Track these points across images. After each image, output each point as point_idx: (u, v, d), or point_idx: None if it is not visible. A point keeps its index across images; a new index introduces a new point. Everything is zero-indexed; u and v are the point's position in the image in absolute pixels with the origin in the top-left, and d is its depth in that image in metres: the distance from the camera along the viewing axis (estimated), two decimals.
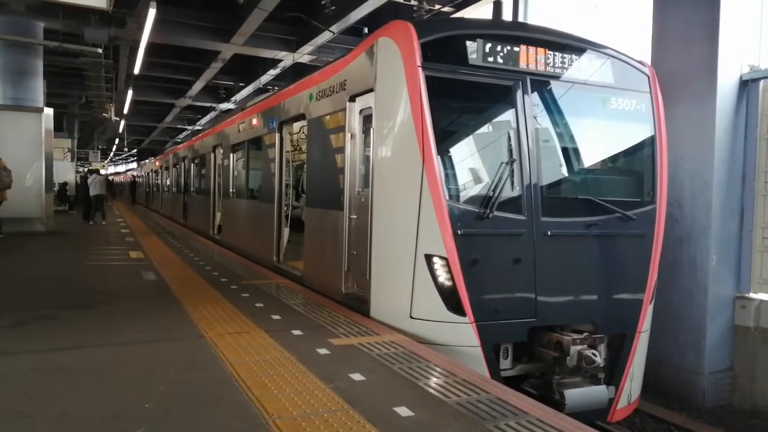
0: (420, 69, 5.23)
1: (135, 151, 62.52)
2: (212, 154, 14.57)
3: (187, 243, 13.09)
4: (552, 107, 5.88)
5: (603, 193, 5.94)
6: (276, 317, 5.75)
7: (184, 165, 19.57)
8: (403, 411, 3.41)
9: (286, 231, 9.10)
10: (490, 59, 5.50)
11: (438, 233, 5.09)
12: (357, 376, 4.01)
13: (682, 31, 7.92)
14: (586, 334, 5.47)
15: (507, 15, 11.82)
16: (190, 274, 8.40)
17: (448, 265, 5.09)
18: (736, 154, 7.68)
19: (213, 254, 11.06)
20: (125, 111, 28.21)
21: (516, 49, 5.59)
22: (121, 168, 78.12)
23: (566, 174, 6.05)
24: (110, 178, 41.84)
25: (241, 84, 24.20)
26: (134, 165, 66.09)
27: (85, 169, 31.09)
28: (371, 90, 5.89)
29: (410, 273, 5.27)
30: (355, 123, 6.36)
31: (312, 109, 7.58)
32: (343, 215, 6.47)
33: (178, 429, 3.15)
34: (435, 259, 5.14)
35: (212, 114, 31.64)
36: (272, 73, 20.67)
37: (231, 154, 12.60)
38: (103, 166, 50.09)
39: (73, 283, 7.75)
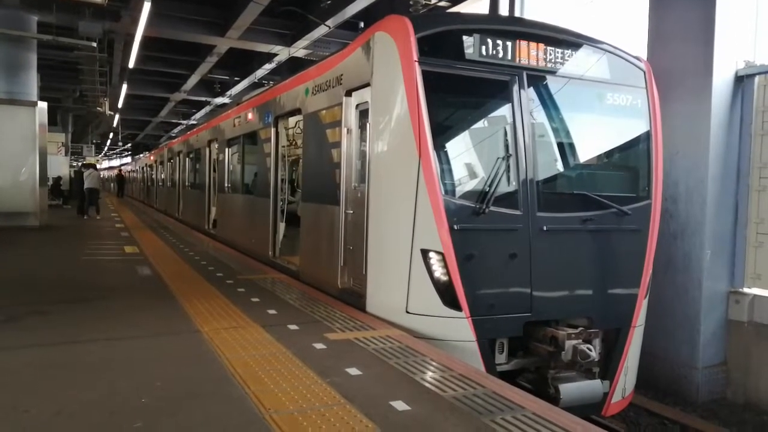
0: (417, 64, 5.22)
1: (129, 145, 62.25)
2: (207, 149, 14.53)
3: (182, 238, 13.06)
4: (548, 102, 5.89)
5: (598, 188, 5.96)
6: (272, 312, 5.75)
7: (179, 160, 19.51)
8: (400, 405, 3.42)
9: (281, 226, 9.09)
10: (487, 54, 5.50)
11: (434, 228, 5.09)
12: (353, 371, 4.02)
13: (678, 26, 7.93)
14: (581, 328, 5.50)
15: (503, 10, 11.84)
16: (185, 269, 8.39)
17: (444, 260, 5.09)
18: (731, 149, 7.70)
19: (208, 249, 11.04)
20: (119, 105, 28.06)
21: (513, 44, 5.59)
22: (115, 162, 77.74)
23: (562, 169, 6.07)
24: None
25: (236, 78, 24.11)
26: (128, 159, 65.93)
27: (80, 164, 30.92)
28: (368, 85, 5.88)
29: (406, 268, 5.27)
30: (351, 118, 6.35)
31: (308, 103, 7.56)
32: (339, 210, 6.47)
33: (175, 424, 3.15)
34: (431, 254, 5.14)
35: (207, 108, 31.53)
36: (267, 67, 20.61)
37: (226, 149, 12.57)
38: (98, 160, 49.89)
39: (68, 278, 7.73)
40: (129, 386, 3.64)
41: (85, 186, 18.62)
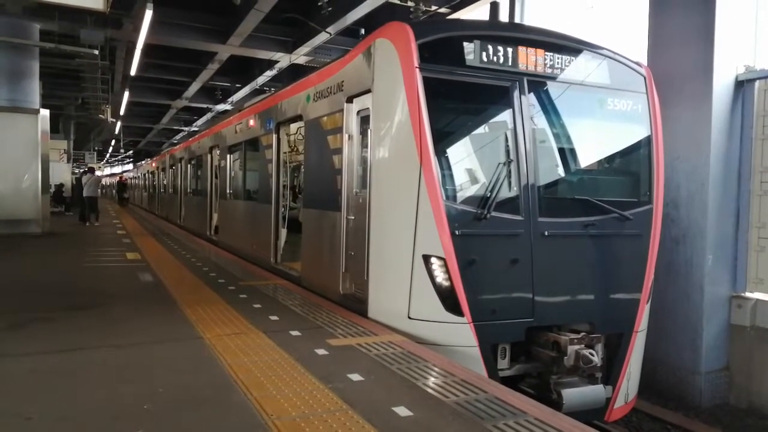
0: (417, 70, 5.24)
1: (131, 152, 62.39)
2: (209, 156, 14.57)
3: (184, 244, 13.08)
4: (549, 108, 5.90)
5: (600, 193, 5.96)
6: (274, 318, 5.76)
7: (181, 166, 19.56)
8: (402, 411, 3.42)
9: (283, 232, 9.09)
10: (488, 60, 5.52)
11: (436, 234, 5.10)
12: (355, 377, 4.02)
13: (677, 32, 7.95)
14: (583, 333, 5.49)
15: (504, 16, 11.87)
16: (187, 276, 8.39)
17: (445, 265, 5.10)
18: (732, 154, 7.71)
19: (210, 255, 11.05)
20: (121, 112, 28.12)
21: (513, 50, 5.61)
22: (117, 169, 77.91)
23: (563, 174, 6.07)
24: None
25: (237, 85, 24.17)
26: (130, 166, 66.09)
27: (81, 170, 30.98)
28: (369, 91, 5.90)
29: (408, 273, 5.28)
30: (352, 124, 6.37)
31: (309, 110, 7.58)
32: (340, 216, 6.48)
33: (177, 430, 3.15)
34: (433, 260, 5.15)
35: (209, 115, 31.60)
36: (269, 74, 20.66)
37: (228, 155, 12.60)
38: (99, 167, 50.01)
39: (71, 284, 7.74)
40: (131, 393, 3.64)
41: (84, 193, 18.68)
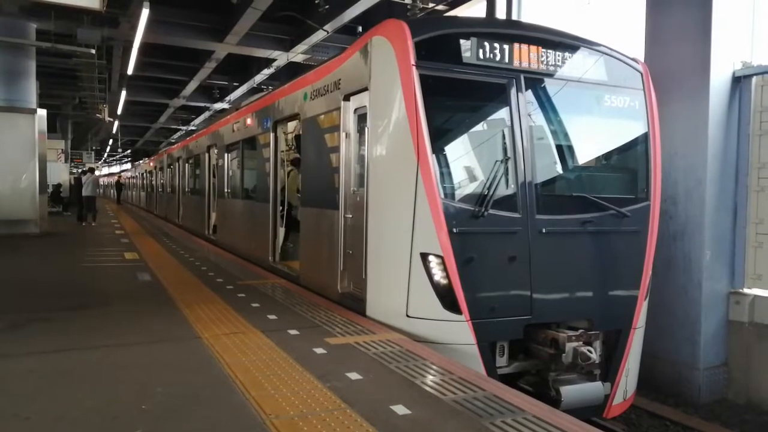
0: (414, 68, 5.23)
1: (129, 151, 62.32)
2: (206, 155, 14.55)
3: (183, 244, 13.07)
4: (546, 105, 5.90)
5: (597, 190, 5.96)
6: (272, 317, 5.75)
7: (179, 165, 19.54)
8: (401, 409, 3.42)
9: (281, 231, 9.09)
10: (484, 57, 5.51)
11: (433, 232, 5.10)
12: (354, 375, 4.02)
13: (675, 28, 7.95)
14: (581, 330, 5.50)
15: (500, 13, 11.88)
16: (185, 275, 8.39)
17: (443, 263, 5.10)
18: (729, 150, 7.71)
19: (208, 255, 11.05)
20: (119, 111, 28.11)
21: (510, 47, 5.61)
22: (115, 169, 77.88)
23: (561, 171, 6.08)
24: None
25: (235, 84, 24.17)
26: (128, 165, 66.08)
27: (80, 170, 30.98)
28: (366, 89, 5.89)
29: (406, 272, 5.27)
30: (349, 122, 6.36)
31: (306, 108, 7.57)
32: (338, 214, 6.48)
33: (176, 430, 3.15)
34: (431, 258, 5.15)
35: (206, 114, 31.57)
36: (266, 72, 20.64)
37: (225, 154, 12.58)
38: (97, 167, 49.97)
39: (69, 285, 7.73)
40: (130, 393, 3.64)
41: (84, 193, 18.69)
